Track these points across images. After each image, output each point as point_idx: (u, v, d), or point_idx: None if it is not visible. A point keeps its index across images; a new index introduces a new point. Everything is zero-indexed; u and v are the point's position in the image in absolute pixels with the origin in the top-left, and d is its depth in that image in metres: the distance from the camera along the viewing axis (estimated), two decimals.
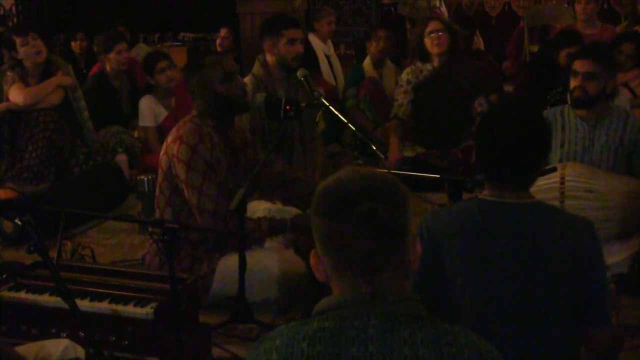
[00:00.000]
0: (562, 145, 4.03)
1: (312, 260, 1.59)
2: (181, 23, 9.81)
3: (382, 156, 4.01)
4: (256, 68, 4.51)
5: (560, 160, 4.01)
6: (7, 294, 3.09)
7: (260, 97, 4.25)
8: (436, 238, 2.19)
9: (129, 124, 6.25)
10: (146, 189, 4.81)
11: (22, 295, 3.07)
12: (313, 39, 6.89)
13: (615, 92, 4.05)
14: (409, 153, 5.66)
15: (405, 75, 5.72)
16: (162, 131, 5.35)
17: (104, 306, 2.96)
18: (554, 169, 3.65)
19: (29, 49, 5.36)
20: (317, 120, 4.68)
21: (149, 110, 5.76)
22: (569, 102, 3.99)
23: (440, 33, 5.51)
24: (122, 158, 5.74)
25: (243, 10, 7.99)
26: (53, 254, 2.64)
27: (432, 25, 5.56)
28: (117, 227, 5.01)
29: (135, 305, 2.94)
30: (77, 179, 5.38)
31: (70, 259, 4.15)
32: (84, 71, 7.31)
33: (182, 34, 9.74)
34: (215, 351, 3.23)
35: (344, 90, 6.50)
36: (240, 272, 3.35)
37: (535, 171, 2.25)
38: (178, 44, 9.55)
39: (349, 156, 5.96)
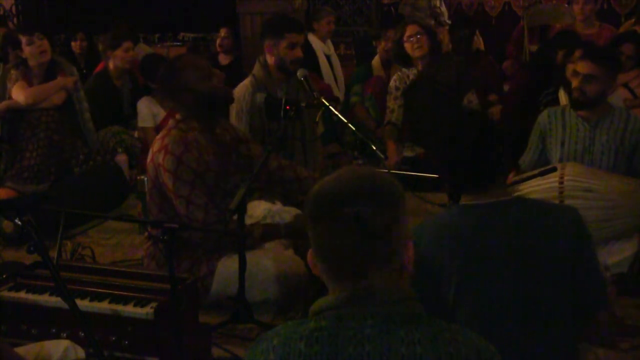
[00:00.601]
0: (562, 144, 4.03)
1: (308, 258, 1.61)
2: (181, 23, 9.80)
3: (382, 156, 4.01)
4: (256, 69, 4.51)
5: (561, 160, 4.02)
6: (7, 294, 3.09)
7: (260, 97, 4.25)
8: (424, 248, 2.19)
9: (129, 123, 6.25)
10: (146, 189, 4.80)
11: (22, 295, 3.07)
12: (312, 39, 6.89)
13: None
14: (409, 153, 5.67)
15: (393, 82, 5.78)
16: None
17: (104, 306, 2.97)
18: (554, 169, 3.66)
19: (34, 49, 5.36)
20: (317, 120, 4.69)
21: (148, 111, 5.78)
22: (569, 103, 4.00)
23: (418, 36, 5.52)
24: (122, 158, 5.74)
25: (243, 10, 7.99)
26: (53, 254, 2.64)
27: (410, 30, 5.58)
28: (117, 227, 5.01)
29: (135, 305, 2.94)
30: (77, 179, 5.38)
31: (70, 259, 4.15)
32: (84, 71, 7.30)
33: (182, 34, 9.73)
34: (215, 351, 3.23)
35: (349, 87, 6.52)
36: (240, 272, 3.35)
37: (499, 168, 2.26)
38: (178, 44, 9.54)
39: (349, 156, 5.96)
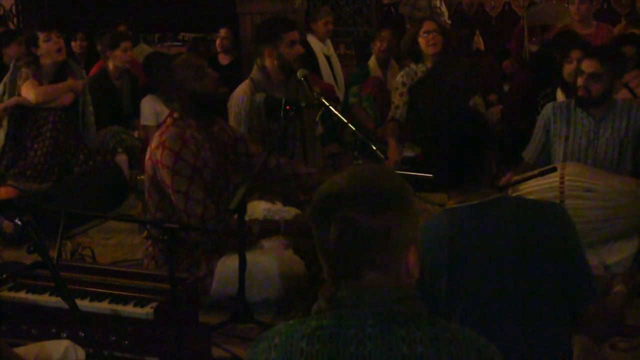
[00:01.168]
0: (566, 139, 4.05)
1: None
2: (181, 23, 9.80)
3: (382, 156, 4.01)
4: (254, 72, 4.51)
5: (565, 154, 4.03)
6: (7, 294, 3.09)
7: (260, 97, 4.25)
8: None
9: (129, 123, 6.25)
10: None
11: (22, 295, 3.07)
12: (311, 39, 6.89)
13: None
14: (409, 153, 5.66)
15: (400, 77, 5.73)
16: None
17: (104, 306, 2.97)
18: (554, 169, 3.66)
19: (52, 45, 5.38)
20: (317, 120, 4.69)
21: (151, 109, 5.78)
22: (574, 101, 4.03)
23: (434, 34, 5.51)
24: (122, 158, 5.74)
25: (243, 10, 7.98)
26: (53, 254, 2.64)
27: (427, 26, 5.56)
28: (117, 227, 5.01)
29: (135, 305, 2.94)
30: (78, 178, 5.38)
31: (70, 259, 4.15)
32: (84, 71, 7.30)
33: (182, 34, 9.73)
34: (215, 351, 3.23)
35: (347, 88, 6.51)
36: (240, 272, 3.35)
37: (485, 165, 2.27)
38: (178, 44, 9.54)
39: (349, 156, 5.95)
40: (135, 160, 5.85)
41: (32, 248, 2.30)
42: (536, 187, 3.82)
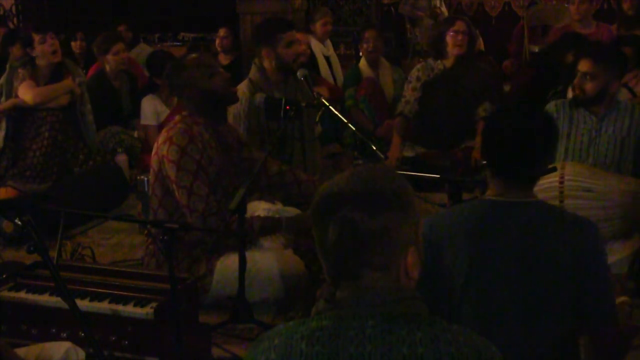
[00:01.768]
0: (568, 136, 4.05)
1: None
2: (181, 23, 9.80)
3: (382, 156, 4.01)
4: (253, 72, 4.51)
5: (566, 151, 4.04)
6: (7, 294, 3.09)
7: (259, 97, 4.25)
8: (438, 239, 2.20)
9: (129, 124, 6.25)
10: (146, 189, 4.79)
11: (22, 295, 3.07)
12: (311, 40, 6.88)
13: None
14: (409, 153, 5.65)
15: (415, 71, 5.65)
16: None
17: (104, 306, 2.97)
18: (554, 169, 3.66)
19: (47, 47, 5.37)
20: (317, 120, 4.68)
21: (152, 109, 5.78)
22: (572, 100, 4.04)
23: (463, 35, 5.44)
24: (122, 158, 5.74)
25: (243, 10, 7.99)
26: (53, 254, 2.64)
27: (459, 25, 5.44)
28: (117, 227, 5.01)
29: (135, 305, 2.94)
30: (78, 178, 5.38)
31: (70, 259, 4.15)
32: (84, 71, 7.30)
33: (182, 34, 9.73)
34: (215, 351, 3.23)
35: (343, 91, 6.50)
36: (240, 272, 3.35)
37: (540, 166, 2.26)
38: (178, 44, 9.54)
39: (349, 156, 5.95)
40: (135, 160, 5.85)
41: (32, 248, 2.30)
42: (536, 187, 3.81)
